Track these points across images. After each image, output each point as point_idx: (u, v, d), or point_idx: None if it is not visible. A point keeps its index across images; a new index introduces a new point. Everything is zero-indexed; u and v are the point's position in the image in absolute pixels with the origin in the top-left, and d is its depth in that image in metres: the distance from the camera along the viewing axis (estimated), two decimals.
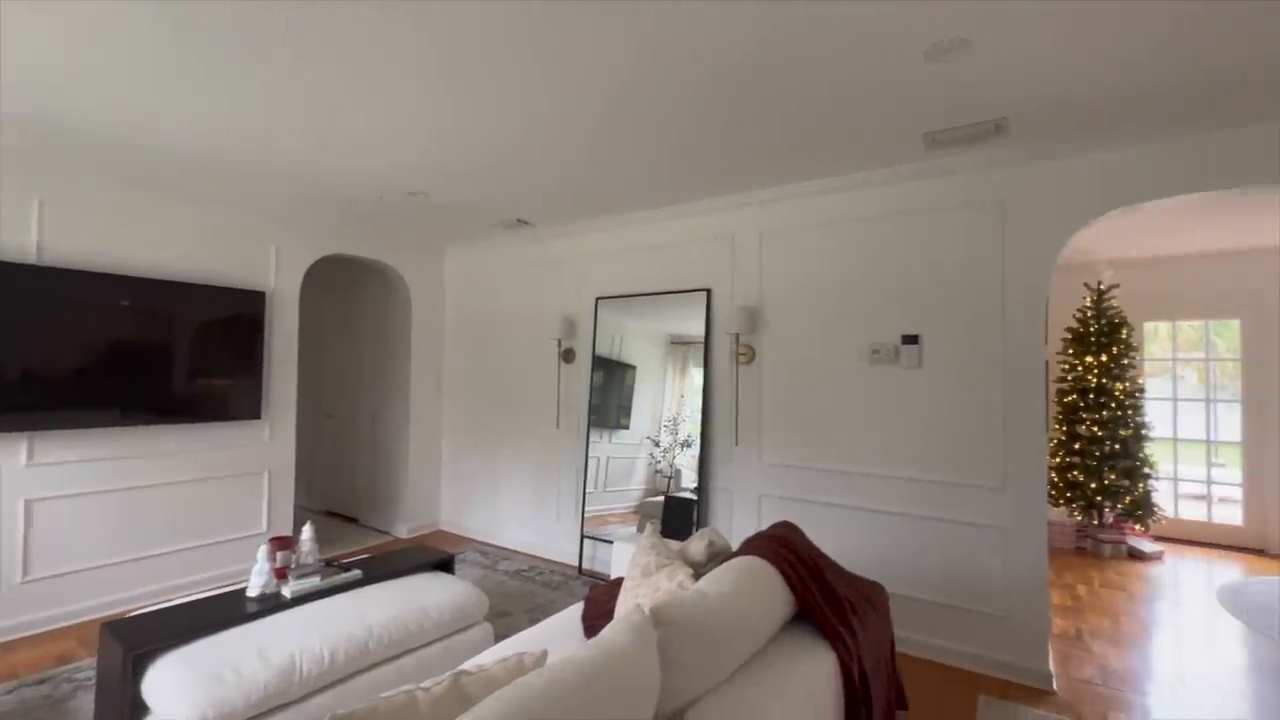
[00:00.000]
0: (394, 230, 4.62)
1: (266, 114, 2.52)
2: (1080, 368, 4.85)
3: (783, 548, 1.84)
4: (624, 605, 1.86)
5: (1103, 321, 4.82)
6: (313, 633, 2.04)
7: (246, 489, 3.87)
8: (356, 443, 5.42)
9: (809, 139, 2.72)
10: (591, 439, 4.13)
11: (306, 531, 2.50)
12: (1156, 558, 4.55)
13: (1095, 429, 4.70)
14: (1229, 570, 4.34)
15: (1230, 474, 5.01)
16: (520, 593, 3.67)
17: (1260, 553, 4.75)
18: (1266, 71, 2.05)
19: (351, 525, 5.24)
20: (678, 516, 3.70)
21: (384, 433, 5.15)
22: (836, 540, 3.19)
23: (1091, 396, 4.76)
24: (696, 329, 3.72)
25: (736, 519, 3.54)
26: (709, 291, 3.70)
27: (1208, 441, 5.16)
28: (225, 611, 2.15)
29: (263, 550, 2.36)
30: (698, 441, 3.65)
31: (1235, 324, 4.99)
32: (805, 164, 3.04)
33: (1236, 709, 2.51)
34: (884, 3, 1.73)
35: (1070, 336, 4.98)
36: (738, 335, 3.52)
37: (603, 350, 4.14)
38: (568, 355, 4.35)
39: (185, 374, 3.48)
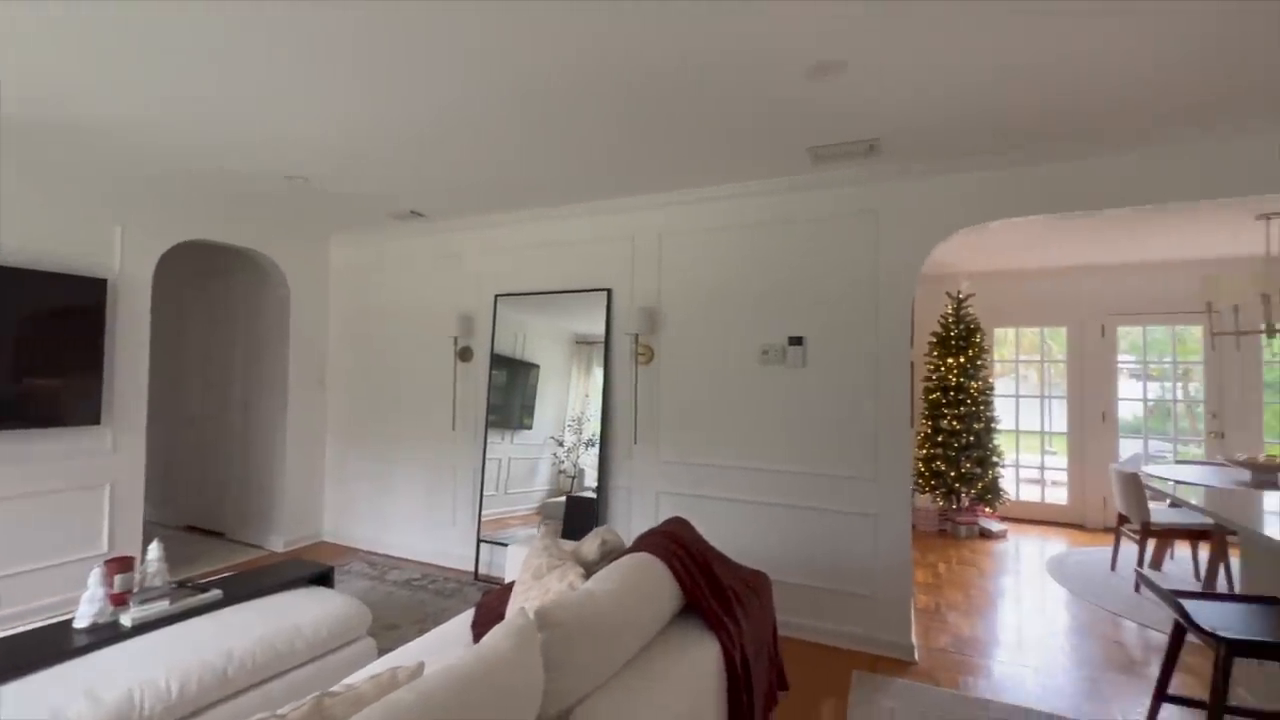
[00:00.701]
0: (270, 216, 4.23)
1: (100, 65, 2.22)
2: (943, 368, 5.40)
3: (673, 543, 1.89)
4: (514, 609, 1.82)
5: (961, 327, 5.40)
6: (157, 663, 1.82)
7: (84, 505, 3.38)
8: (224, 450, 4.90)
9: (705, 147, 2.81)
10: (492, 440, 4.02)
11: (154, 550, 2.23)
12: (1002, 536, 5.16)
13: (955, 423, 5.25)
14: (1057, 544, 5.02)
15: (1060, 460, 5.79)
16: (411, 603, 3.50)
17: (1080, 527, 5.53)
18: (1074, 120, 2.38)
19: (216, 541, 4.73)
20: (579, 516, 3.69)
21: (257, 438, 4.70)
22: (728, 533, 3.33)
23: (951, 394, 5.31)
24: (600, 328, 3.73)
25: (635, 516, 3.59)
26: (610, 291, 3.73)
27: (1042, 432, 5.93)
28: (46, 647, 1.87)
29: (95, 574, 2.07)
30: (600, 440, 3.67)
31: (1063, 331, 5.77)
32: (702, 170, 3.14)
33: (1062, 662, 2.90)
34: (767, 20, 1.83)
35: (935, 340, 5.53)
36: (637, 335, 3.58)
37: (504, 349, 4.04)
38: (465, 354, 4.20)
39: (7, 373, 2.98)
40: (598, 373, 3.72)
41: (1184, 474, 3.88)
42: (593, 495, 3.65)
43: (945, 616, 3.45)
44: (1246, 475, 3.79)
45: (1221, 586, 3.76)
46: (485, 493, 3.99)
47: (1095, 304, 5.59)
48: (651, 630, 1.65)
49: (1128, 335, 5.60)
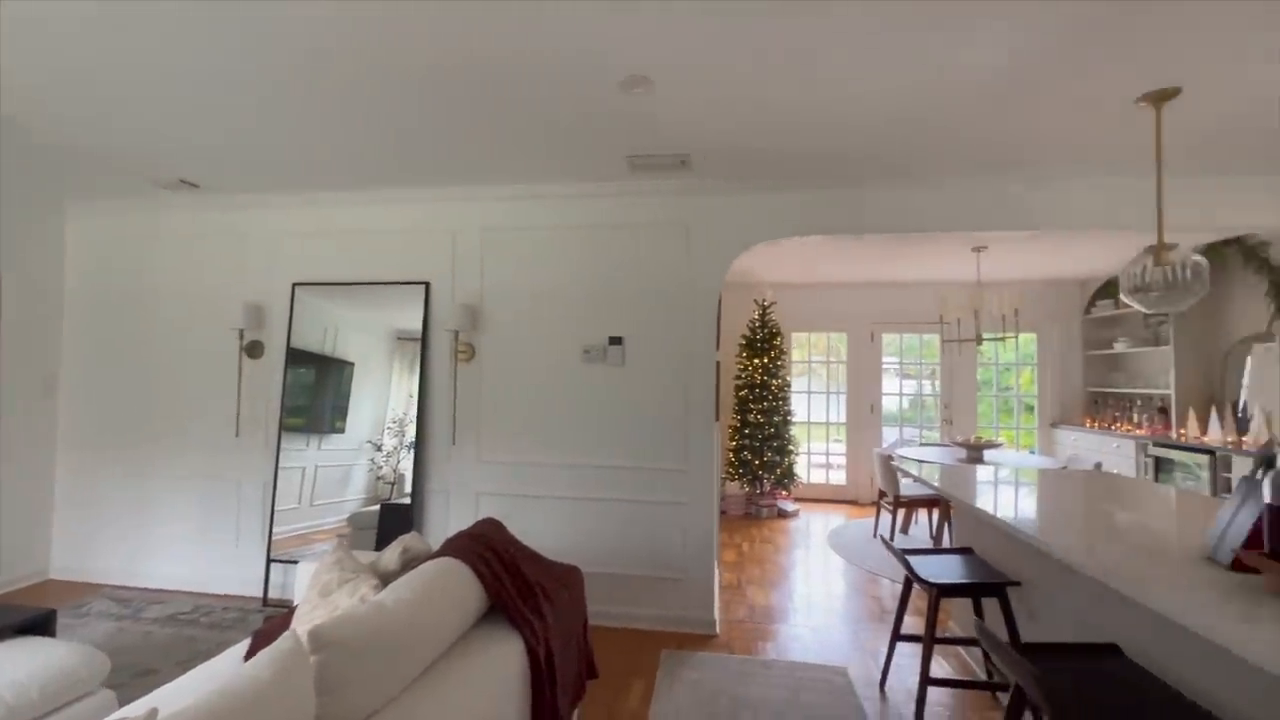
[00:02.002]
0: None
1: None
2: (750, 368, 6.00)
3: (479, 545, 1.86)
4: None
5: (765, 331, 6.05)
6: None
7: None
8: None
9: (528, 142, 2.80)
10: (294, 446, 3.57)
11: None
12: (795, 515, 5.89)
13: (759, 417, 5.87)
14: (837, 519, 5.86)
15: (841, 447, 6.76)
16: (174, 642, 2.98)
17: (855, 502, 6.52)
18: (848, 157, 2.82)
19: None
20: (395, 525, 3.44)
21: None
22: (549, 530, 3.35)
23: (757, 391, 5.93)
24: (419, 324, 3.51)
25: (454, 520, 3.46)
26: (428, 285, 3.53)
27: (828, 423, 6.88)
28: None
29: None
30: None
31: (845, 336, 6.76)
32: (526, 168, 3.12)
33: (834, 620, 3.40)
34: (581, 25, 1.88)
35: (744, 342, 6.12)
36: (458, 332, 3.44)
37: (309, 344, 3.61)
38: (254, 349, 3.68)
39: None
40: None
41: (923, 454, 4.78)
42: (408, 501, 3.43)
43: (745, 590, 3.84)
44: (963, 453, 4.79)
45: (946, 543, 4.69)
46: (284, 506, 3.54)
47: (866, 314, 6.63)
48: (454, 634, 1.60)
49: (891, 342, 6.74)
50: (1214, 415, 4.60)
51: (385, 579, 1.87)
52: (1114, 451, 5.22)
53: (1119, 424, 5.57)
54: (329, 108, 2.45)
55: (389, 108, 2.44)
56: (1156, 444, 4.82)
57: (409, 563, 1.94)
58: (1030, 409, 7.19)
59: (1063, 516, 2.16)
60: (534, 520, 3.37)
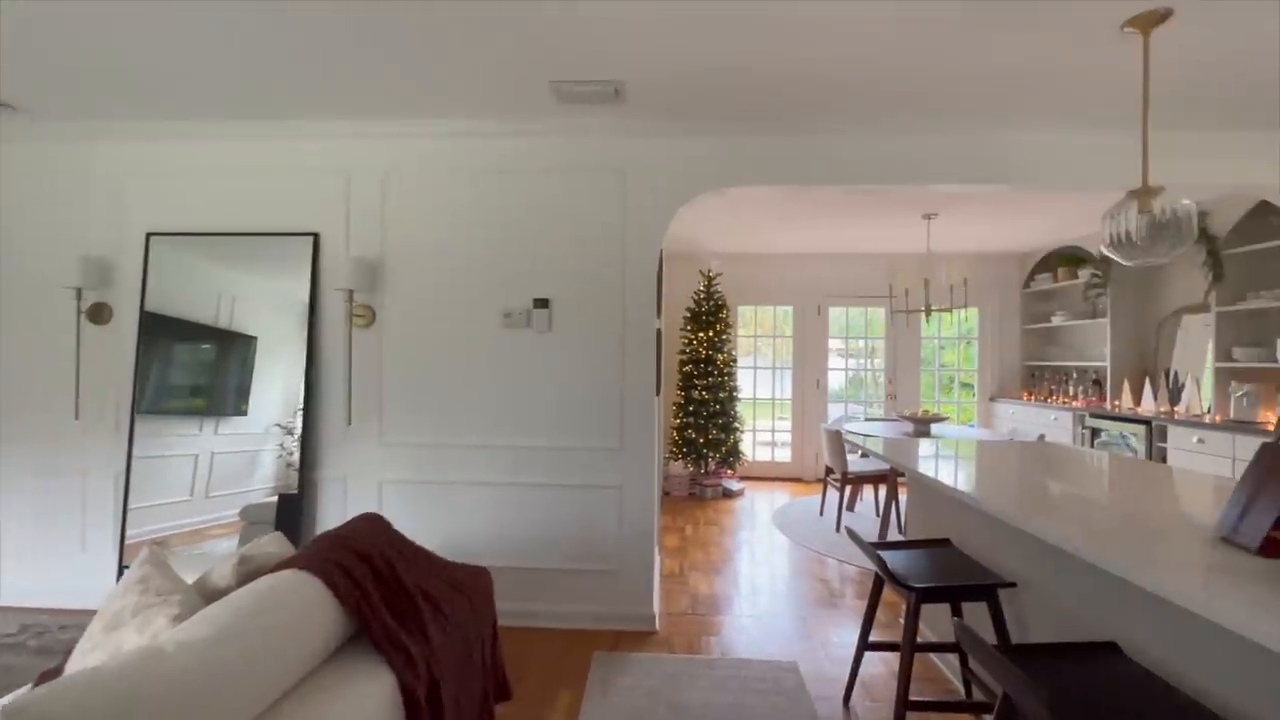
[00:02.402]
0: None
1: None
2: (695, 341, 5.68)
3: (341, 550, 1.42)
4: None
5: (710, 303, 5.74)
6: None
7: None
8: None
9: (435, 68, 2.30)
10: (184, 431, 2.97)
11: None
12: (740, 494, 5.67)
13: (704, 393, 5.58)
14: (782, 497, 5.69)
15: (786, 424, 6.59)
16: None
17: (800, 480, 6.38)
18: (802, 91, 2.47)
19: None
20: (294, 518, 2.93)
21: None
22: (465, 521, 2.92)
23: (702, 366, 5.63)
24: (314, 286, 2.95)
25: (354, 512, 2.96)
26: (316, 237, 2.98)
27: (773, 400, 6.69)
28: None
29: None
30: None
31: (791, 309, 6.54)
32: (434, 99, 2.61)
33: (780, 607, 3.15)
34: None
35: (689, 315, 5.80)
36: (352, 292, 2.91)
37: (199, 315, 3.00)
38: (97, 313, 3.03)
39: None
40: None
41: (870, 429, 4.61)
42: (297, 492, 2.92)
43: (687, 578, 3.54)
44: (910, 427, 4.65)
45: (892, 520, 4.55)
46: (171, 499, 2.95)
47: (813, 287, 6.43)
48: (291, 677, 1.17)
49: (838, 317, 6.57)
50: (1147, 386, 4.64)
51: (215, 599, 1.41)
52: (1052, 424, 5.23)
53: (1055, 397, 5.61)
54: (182, 9, 1.88)
55: (259, 17, 1.90)
56: (1093, 415, 4.83)
57: (250, 575, 1.48)
58: (968, 386, 7.26)
59: (1039, 495, 1.93)
60: (447, 511, 2.93)
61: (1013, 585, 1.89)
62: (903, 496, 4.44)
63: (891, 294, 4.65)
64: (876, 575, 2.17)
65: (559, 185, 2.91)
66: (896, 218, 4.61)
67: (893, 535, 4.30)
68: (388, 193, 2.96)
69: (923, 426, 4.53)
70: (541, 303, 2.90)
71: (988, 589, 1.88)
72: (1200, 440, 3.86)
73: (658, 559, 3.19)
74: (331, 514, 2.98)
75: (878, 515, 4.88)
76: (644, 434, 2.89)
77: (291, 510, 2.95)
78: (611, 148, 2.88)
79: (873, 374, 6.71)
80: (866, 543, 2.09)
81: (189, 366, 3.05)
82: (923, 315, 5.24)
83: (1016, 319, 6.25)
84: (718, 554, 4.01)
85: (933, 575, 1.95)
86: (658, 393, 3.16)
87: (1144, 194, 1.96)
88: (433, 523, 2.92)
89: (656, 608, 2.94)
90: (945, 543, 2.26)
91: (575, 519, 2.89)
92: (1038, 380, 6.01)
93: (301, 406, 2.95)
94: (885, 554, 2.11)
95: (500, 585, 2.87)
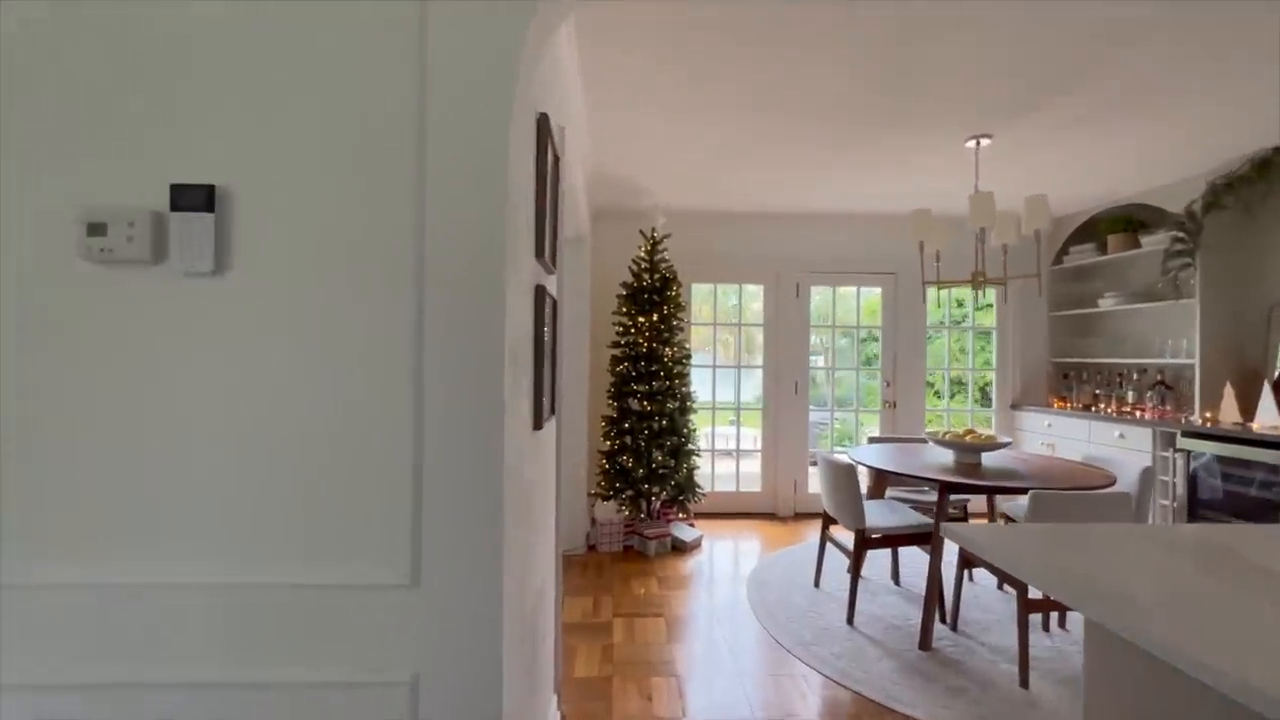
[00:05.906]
0: None
1: None
2: (633, 330, 4.00)
3: None
4: None
5: (655, 277, 4.07)
6: None
7: None
8: None
9: None
10: None
11: None
12: (696, 546, 4.03)
13: (645, 403, 3.91)
14: (751, 545, 4.10)
15: (754, 441, 5.00)
16: None
17: (773, 516, 4.81)
18: None
19: None
20: None
21: None
22: None
23: (643, 364, 3.96)
24: None
25: None
26: None
27: (737, 407, 5.10)
28: None
29: None
30: None
31: (761, 289, 4.95)
32: None
33: None
34: None
35: (625, 293, 4.11)
36: None
37: None
38: None
39: None
40: None
41: (880, 458, 3.06)
42: None
43: None
44: (949, 456, 3.13)
45: (906, 586, 3.01)
46: None
47: (793, 257, 4.87)
48: None
49: (824, 299, 5.03)
50: (1267, 392, 3.29)
51: None
52: (1116, 442, 3.85)
53: (1104, 405, 4.26)
54: None
55: None
56: (1188, 434, 3.45)
57: None
58: (966, 386, 5.94)
59: None
60: None
61: None
62: (948, 555, 2.93)
63: (922, 255, 3.10)
64: None
65: None
66: (928, 138, 3.06)
67: (931, 620, 2.76)
68: None
69: (971, 456, 3.01)
70: (197, 197, 1.12)
71: None
72: None
73: None
74: None
75: (893, 577, 3.36)
76: (484, 533, 1.16)
77: None
78: None
79: (868, 375, 5.22)
80: None
81: None
82: (934, 297, 3.73)
83: (1042, 303, 4.89)
84: (666, 692, 2.33)
85: None
86: (542, 426, 1.45)
87: None
88: None
89: None
90: None
91: None
92: (1072, 383, 4.66)
93: None
94: None
95: None
